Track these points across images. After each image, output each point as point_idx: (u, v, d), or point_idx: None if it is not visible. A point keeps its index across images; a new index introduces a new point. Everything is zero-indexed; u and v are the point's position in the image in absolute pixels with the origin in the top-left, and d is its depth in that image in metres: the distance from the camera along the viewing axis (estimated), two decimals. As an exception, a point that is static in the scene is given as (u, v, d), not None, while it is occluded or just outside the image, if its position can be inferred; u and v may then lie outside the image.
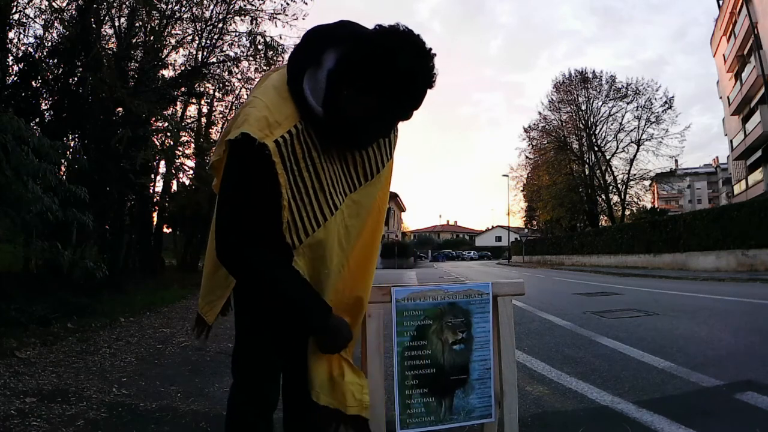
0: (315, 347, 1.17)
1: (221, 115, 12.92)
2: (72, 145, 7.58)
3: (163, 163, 10.72)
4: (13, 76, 7.00)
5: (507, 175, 39.45)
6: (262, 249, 1.02)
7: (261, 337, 1.17)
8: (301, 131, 1.01)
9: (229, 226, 1.01)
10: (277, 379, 1.22)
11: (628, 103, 32.64)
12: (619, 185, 33.57)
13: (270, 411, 1.20)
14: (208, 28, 9.58)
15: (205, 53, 9.83)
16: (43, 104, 7.43)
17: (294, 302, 1.06)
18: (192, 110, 12.45)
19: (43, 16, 7.46)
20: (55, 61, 7.51)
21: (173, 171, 10.35)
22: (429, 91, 1.01)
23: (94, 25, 7.75)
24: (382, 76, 0.96)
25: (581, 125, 34.20)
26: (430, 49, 0.99)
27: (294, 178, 1.01)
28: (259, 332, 1.17)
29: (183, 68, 9.84)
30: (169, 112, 9.95)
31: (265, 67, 10.08)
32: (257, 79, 11.08)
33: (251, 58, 9.96)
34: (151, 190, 11.37)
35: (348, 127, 1.03)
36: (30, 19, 7.39)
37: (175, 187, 12.91)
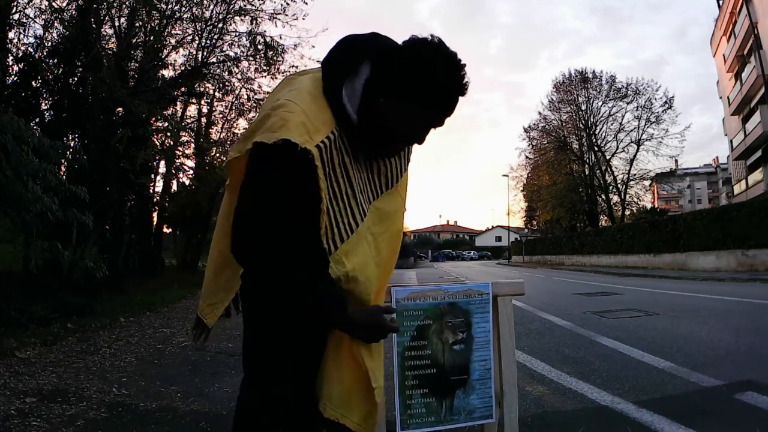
0: (333, 356, 1.17)
1: (221, 115, 12.93)
2: (72, 145, 7.58)
3: (163, 163, 10.73)
4: (13, 76, 7.01)
5: (507, 175, 39.48)
6: (283, 252, 1.03)
7: (276, 333, 1.16)
8: (337, 138, 1.03)
9: (253, 231, 1.02)
10: (292, 377, 1.19)
11: (628, 103, 32.69)
12: (619, 185, 33.59)
13: (282, 413, 1.18)
14: (208, 28, 9.58)
15: (205, 53, 9.83)
16: (43, 104, 7.44)
17: (306, 296, 1.08)
18: (192, 110, 12.45)
19: (43, 16, 7.47)
20: (55, 61, 7.51)
21: (173, 171, 10.34)
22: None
23: (94, 25, 7.75)
24: (419, 85, 1.00)
25: (581, 125, 34.21)
26: (461, 59, 1.03)
27: (330, 184, 1.03)
28: (273, 328, 1.16)
29: (183, 68, 9.84)
30: (169, 112, 9.95)
31: (265, 67, 10.09)
32: (257, 80, 10.94)
33: (251, 58, 9.96)
34: (151, 190, 11.37)
35: (382, 134, 1.06)
36: (30, 19, 7.41)
37: (175, 187, 12.92)
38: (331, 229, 1.05)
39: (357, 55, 1.06)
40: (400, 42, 1.07)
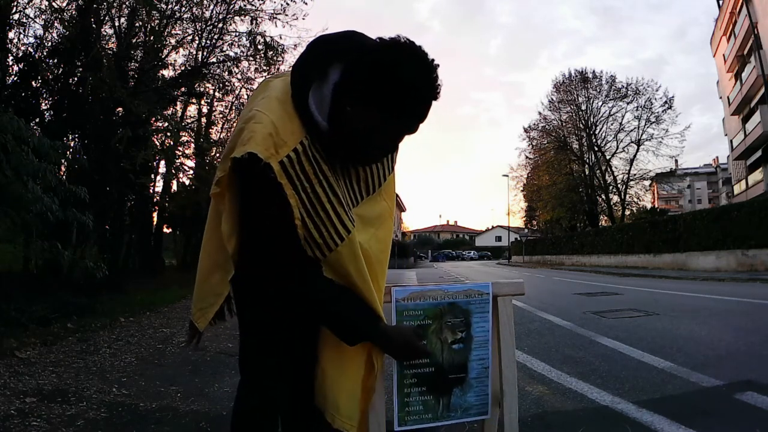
0: (335, 363, 1.16)
1: (221, 115, 12.95)
2: (72, 145, 7.59)
3: (163, 163, 10.74)
4: (13, 76, 7.01)
5: (507, 175, 39.52)
6: (299, 269, 1.04)
7: (269, 335, 1.16)
8: (308, 147, 1.00)
9: (268, 255, 1.03)
10: (287, 379, 1.20)
11: (628, 103, 32.74)
12: (619, 185, 33.61)
13: (278, 414, 1.19)
14: (208, 28, 9.59)
15: (205, 53, 9.85)
16: (43, 104, 7.45)
17: (339, 315, 1.08)
18: (192, 110, 12.47)
19: (43, 16, 7.48)
20: (55, 61, 7.52)
21: (173, 171, 10.35)
22: (434, 102, 1.01)
23: (94, 25, 7.76)
24: (385, 89, 0.95)
25: (581, 125, 34.22)
26: (433, 60, 0.98)
27: (308, 196, 1.00)
28: (266, 331, 1.16)
29: (183, 68, 9.86)
30: (169, 112, 9.97)
31: (265, 67, 10.09)
32: (257, 80, 11.02)
33: (251, 58, 9.98)
34: (151, 190, 11.38)
35: (353, 142, 1.02)
36: (30, 19, 7.41)
37: (175, 187, 12.92)
38: (313, 240, 1.02)
39: (325, 58, 1.02)
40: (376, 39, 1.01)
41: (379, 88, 0.96)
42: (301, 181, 0.99)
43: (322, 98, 1.01)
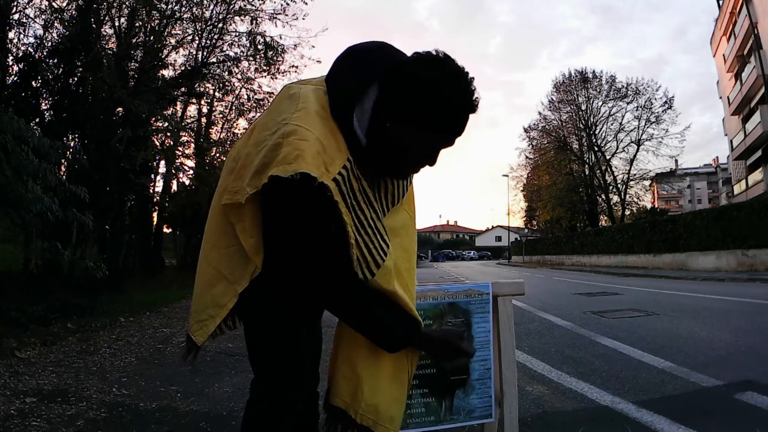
0: (367, 364, 1.14)
1: (221, 115, 12.96)
2: (72, 145, 7.59)
3: (163, 163, 10.75)
4: (13, 76, 7.01)
5: (507, 175, 39.48)
6: (348, 282, 1.03)
7: (291, 343, 1.14)
8: (353, 164, 0.99)
9: (320, 270, 1.02)
10: (306, 385, 1.19)
11: (628, 103, 32.68)
12: (619, 185, 33.57)
13: (294, 417, 1.18)
14: (208, 28, 9.62)
15: (205, 53, 9.87)
16: (43, 104, 7.46)
17: (383, 321, 1.08)
18: (192, 110, 12.48)
19: (43, 16, 7.49)
20: (55, 61, 7.52)
21: (173, 171, 10.36)
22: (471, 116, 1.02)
23: (94, 25, 7.76)
24: (425, 105, 0.96)
25: (581, 125, 34.20)
26: (468, 73, 0.98)
27: (356, 214, 0.99)
28: (287, 340, 1.14)
29: (183, 68, 9.88)
30: (169, 112, 9.97)
31: (265, 67, 10.10)
32: (257, 80, 10.92)
33: (251, 58, 10.00)
34: (151, 190, 11.38)
35: (391, 157, 1.02)
36: (30, 19, 7.42)
37: (175, 187, 12.93)
38: (364, 258, 1.01)
39: (366, 75, 1.01)
40: (407, 53, 1.03)
41: (419, 104, 0.96)
42: (351, 199, 0.98)
43: (363, 114, 1.01)
